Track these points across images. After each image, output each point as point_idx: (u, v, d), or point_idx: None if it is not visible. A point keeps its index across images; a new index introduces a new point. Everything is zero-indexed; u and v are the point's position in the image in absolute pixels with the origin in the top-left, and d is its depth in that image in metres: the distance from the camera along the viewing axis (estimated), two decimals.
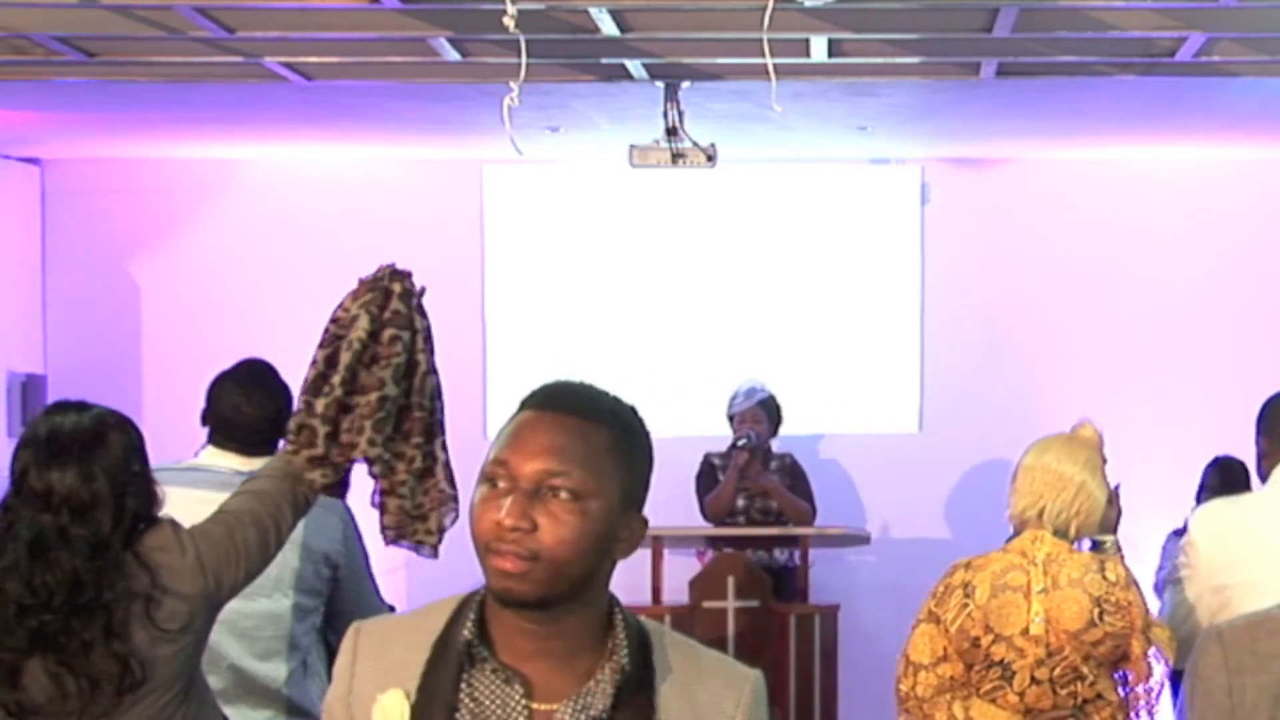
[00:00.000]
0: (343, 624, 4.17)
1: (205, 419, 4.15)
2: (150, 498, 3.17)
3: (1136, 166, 8.38)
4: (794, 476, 7.69)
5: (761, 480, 7.55)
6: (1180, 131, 7.59)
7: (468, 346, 8.44)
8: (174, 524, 3.19)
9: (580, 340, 8.44)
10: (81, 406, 3.19)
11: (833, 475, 8.37)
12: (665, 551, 7.27)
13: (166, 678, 3.11)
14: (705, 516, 7.60)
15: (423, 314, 3.28)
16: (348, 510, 4.12)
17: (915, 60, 5.72)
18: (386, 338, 3.20)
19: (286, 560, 3.93)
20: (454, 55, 5.56)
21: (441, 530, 3.42)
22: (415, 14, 5.15)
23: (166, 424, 8.04)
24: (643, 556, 7.28)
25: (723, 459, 7.67)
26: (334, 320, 3.24)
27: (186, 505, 3.77)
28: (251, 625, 3.90)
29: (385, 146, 8.06)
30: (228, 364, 4.29)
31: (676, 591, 7.33)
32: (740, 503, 7.59)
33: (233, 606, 3.82)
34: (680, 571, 7.56)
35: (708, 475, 7.68)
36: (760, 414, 7.63)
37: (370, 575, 4.25)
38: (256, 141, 7.93)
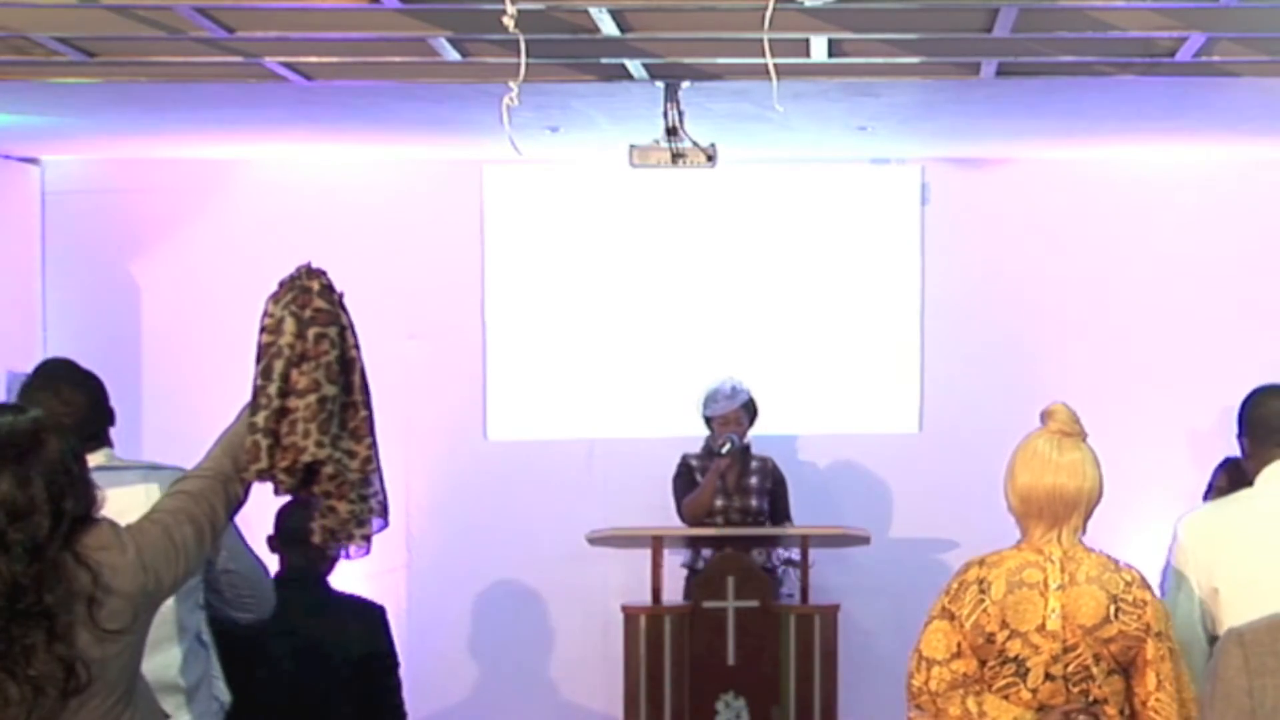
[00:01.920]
0: (234, 593, 4.16)
1: None
2: (89, 499, 3.13)
3: (1136, 166, 8.38)
4: (775, 481, 7.68)
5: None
6: (1180, 131, 7.58)
7: (468, 346, 8.44)
8: (112, 524, 3.16)
9: (580, 341, 8.45)
10: (17, 410, 3.14)
11: (833, 475, 8.37)
12: (665, 551, 7.28)
13: (111, 679, 3.08)
14: (683, 519, 7.57)
15: (344, 309, 3.28)
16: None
17: (915, 60, 5.71)
18: (313, 336, 3.19)
19: None
20: (454, 55, 5.56)
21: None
22: (415, 14, 5.15)
23: (166, 424, 8.07)
24: (643, 556, 7.28)
25: (700, 460, 7.64)
26: (263, 330, 3.23)
27: None
28: None
29: (385, 146, 8.06)
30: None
31: (676, 592, 7.34)
32: (719, 503, 7.57)
33: None
34: (680, 571, 7.57)
35: (684, 477, 7.65)
36: (741, 415, 7.61)
37: (240, 534, 4.23)
38: (256, 141, 7.93)
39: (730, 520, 7.54)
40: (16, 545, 3.00)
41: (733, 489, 7.59)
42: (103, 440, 4.06)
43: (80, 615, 3.02)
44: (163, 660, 3.96)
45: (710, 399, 7.63)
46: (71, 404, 4.02)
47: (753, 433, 7.70)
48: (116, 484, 3.94)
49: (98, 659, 3.04)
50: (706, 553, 7.40)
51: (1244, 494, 4.52)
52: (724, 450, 7.44)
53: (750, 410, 7.64)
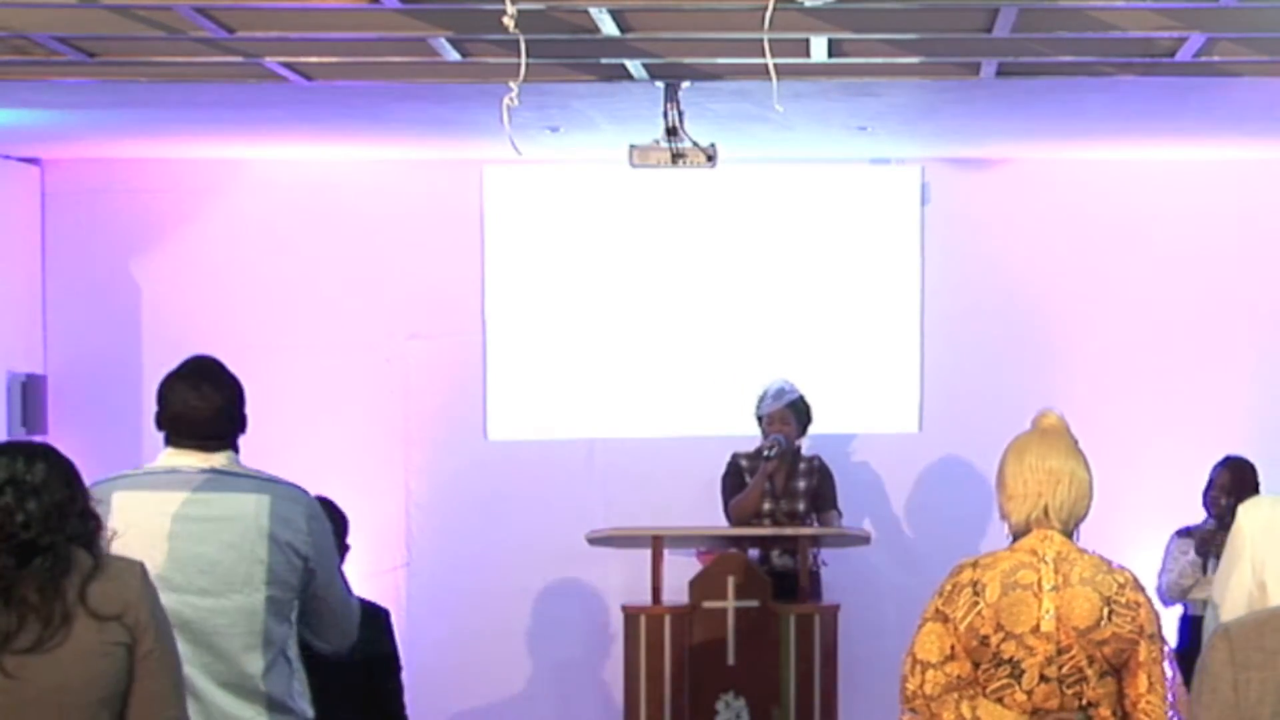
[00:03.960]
0: (318, 621, 4.21)
1: (159, 422, 4.21)
2: (91, 527, 3.16)
3: (1136, 166, 8.38)
4: (822, 477, 7.68)
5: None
6: (1180, 131, 7.58)
7: (468, 346, 8.44)
8: (143, 572, 3.19)
9: (580, 341, 8.45)
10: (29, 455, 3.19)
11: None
12: (665, 551, 7.28)
13: (90, 687, 3.06)
14: (729, 519, 7.57)
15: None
16: (311, 500, 4.16)
17: (915, 60, 5.72)
18: None
19: (255, 554, 3.98)
20: (454, 55, 5.56)
21: None
22: (415, 14, 5.15)
23: None
24: (643, 556, 7.28)
25: (750, 460, 7.63)
26: None
27: (156, 506, 3.89)
28: (226, 623, 3.97)
29: (385, 146, 8.06)
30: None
31: (677, 591, 7.34)
32: (766, 505, 7.57)
33: (204, 605, 3.94)
34: (680, 571, 7.57)
35: (733, 476, 7.64)
36: (789, 415, 7.59)
37: (339, 567, 4.28)
38: (256, 141, 7.93)
39: (778, 523, 7.53)
40: (35, 499, 3.05)
41: (780, 492, 7.59)
42: (228, 444, 4.14)
43: (74, 584, 3.04)
44: (245, 662, 4.02)
45: (760, 399, 7.65)
46: (207, 400, 4.14)
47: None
48: (231, 489, 4.03)
49: (85, 645, 3.03)
50: (754, 553, 7.41)
51: None
52: (766, 455, 7.45)
53: (800, 412, 7.62)
